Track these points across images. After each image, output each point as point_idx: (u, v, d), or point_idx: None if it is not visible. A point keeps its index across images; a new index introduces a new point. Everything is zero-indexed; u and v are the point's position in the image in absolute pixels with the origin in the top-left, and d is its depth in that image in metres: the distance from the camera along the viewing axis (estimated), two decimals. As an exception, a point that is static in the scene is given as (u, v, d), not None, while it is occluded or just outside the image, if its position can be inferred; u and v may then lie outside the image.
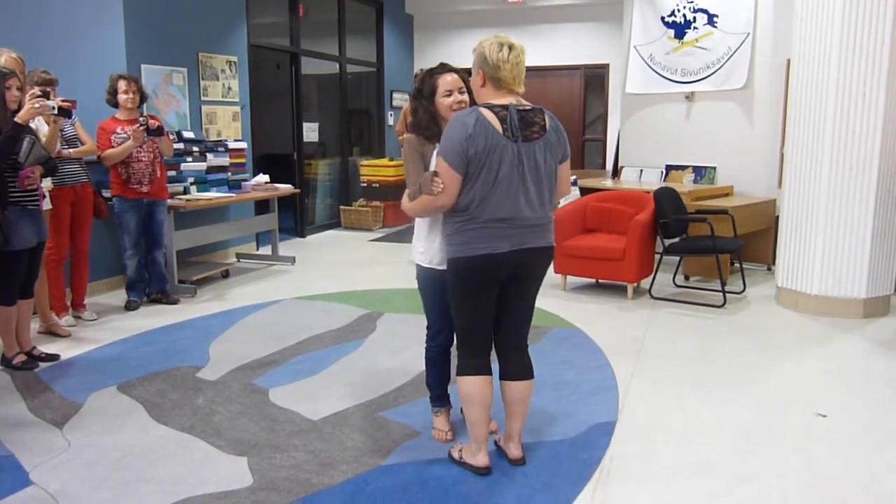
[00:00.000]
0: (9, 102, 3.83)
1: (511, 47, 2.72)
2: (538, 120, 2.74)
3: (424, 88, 3.02)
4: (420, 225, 3.08)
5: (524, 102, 2.77)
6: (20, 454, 3.10)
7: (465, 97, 2.94)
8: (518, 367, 2.94)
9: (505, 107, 2.69)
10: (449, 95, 2.95)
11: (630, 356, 4.36)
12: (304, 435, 3.29)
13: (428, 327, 3.19)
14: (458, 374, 2.90)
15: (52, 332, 4.76)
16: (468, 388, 2.86)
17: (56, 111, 4.04)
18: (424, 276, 3.08)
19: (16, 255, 3.94)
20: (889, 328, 4.97)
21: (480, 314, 2.85)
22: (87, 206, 5.03)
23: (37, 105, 3.84)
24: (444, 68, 3.04)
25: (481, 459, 2.92)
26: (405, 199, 2.87)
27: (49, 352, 4.35)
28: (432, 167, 2.82)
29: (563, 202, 6.68)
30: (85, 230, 5.06)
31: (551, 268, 5.98)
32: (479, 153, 2.63)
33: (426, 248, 3.03)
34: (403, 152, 3.09)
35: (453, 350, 3.06)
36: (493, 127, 2.65)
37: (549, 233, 2.85)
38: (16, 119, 3.81)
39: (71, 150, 4.85)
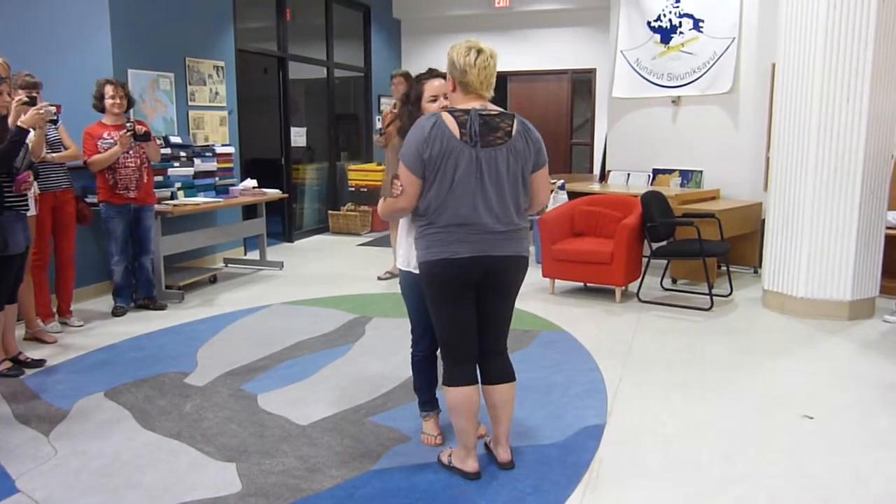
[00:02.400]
0: (1, 108, 3.84)
1: (479, 51, 2.70)
2: (504, 126, 2.71)
3: (411, 93, 3.05)
4: (400, 229, 3.10)
5: (491, 107, 2.75)
6: (6, 461, 3.07)
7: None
8: (498, 371, 2.94)
9: (466, 111, 2.68)
10: (434, 100, 2.97)
11: (618, 359, 4.38)
12: (293, 440, 3.28)
13: (412, 331, 3.19)
14: (444, 383, 2.90)
15: (37, 339, 4.73)
16: (454, 398, 2.86)
17: (55, 115, 4.15)
18: (404, 279, 3.10)
19: (10, 260, 3.93)
20: (874, 330, 5.01)
21: (457, 321, 2.82)
22: (70, 212, 4.98)
23: (42, 111, 3.89)
24: (431, 73, 3.06)
25: (471, 465, 2.92)
26: (380, 202, 2.89)
27: (35, 357, 4.31)
28: None
29: (549, 206, 6.71)
30: (69, 236, 5.02)
31: (534, 275, 6.06)
32: (435, 157, 2.63)
33: (404, 251, 3.05)
34: (386, 155, 3.12)
35: (440, 354, 3.06)
36: (451, 131, 2.64)
37: (517, 241, 2.80)
38: (19, 124, 3.82)
39: (54, 154, 4.83)
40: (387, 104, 10.57)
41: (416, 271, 2.92)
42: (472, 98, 2.74)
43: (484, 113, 2.70)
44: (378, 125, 10.48)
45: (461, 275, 2.74)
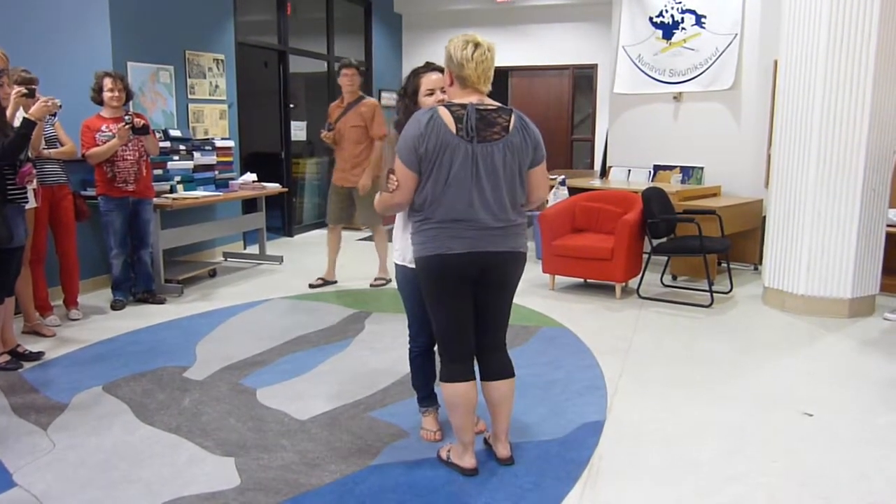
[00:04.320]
0: (2, 99, 3.84)
1: (477, 45, 2.68)
2: (501, 121, 2.69)
3: (408, 87, 3.04)
4: (397, 224, 3.08)
5: (489, 102, 2.73)
6: (4, 455, 3.06)
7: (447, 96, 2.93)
8: (497, 367, 2.93)
9: (463, 106, 2.66)
10: (431, 94, 2.97)
11: (618, 356, 4.37)
12: (292, 435, 3.27)
13: (409, 326, 3.18)
14: (441, 380, 2.89)
15: (36, 332, 4.72)
16: (451, 395, 2.85)
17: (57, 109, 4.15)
18: (401, 274, 3.08)
19: (12, 252, 3.93)
20: (874, 328, 5.00)
21: (454, 316, 2.81)
22: (67, 208, 4.96)
23: (49, 103, 3.91)
24: (428, 67, 3.05)
25: (468, 461, 2.91)
26: (377, 196, 2.87)
27: (34, 350, 4.31)
28: None
29: (550, 201, 6.70)
30: (69, 230, 5.01)
31: (534, 270, 6.06)
32: (430, 152, 2.62)
33: (401, 245, 3.03)
34: (382, 149, 3.11)
35: (437, 350, 3.05)
36: (447, 126, 2.62)
37: (514, 237, 2.79)
38: (27, 116, 3.83)
39: (51, 150, 4.81)
40: (388, 98, 10.55)
41: (413, 266, 2.91)
42: (470, 92, 2.72)
43: (481, 108, 2.68)
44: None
45: (456, 270, 2.73)
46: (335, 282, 6.20)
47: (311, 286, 6.07)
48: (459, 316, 2.82)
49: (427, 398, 3.27)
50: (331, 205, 6.21)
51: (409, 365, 3.27)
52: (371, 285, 6.13)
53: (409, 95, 3.03)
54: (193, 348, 4.49)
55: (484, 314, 2.87)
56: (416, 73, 3.05)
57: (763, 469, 2.99)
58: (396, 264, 3.09)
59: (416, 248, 2.78)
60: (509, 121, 2.70)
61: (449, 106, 2.67)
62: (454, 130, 2.63)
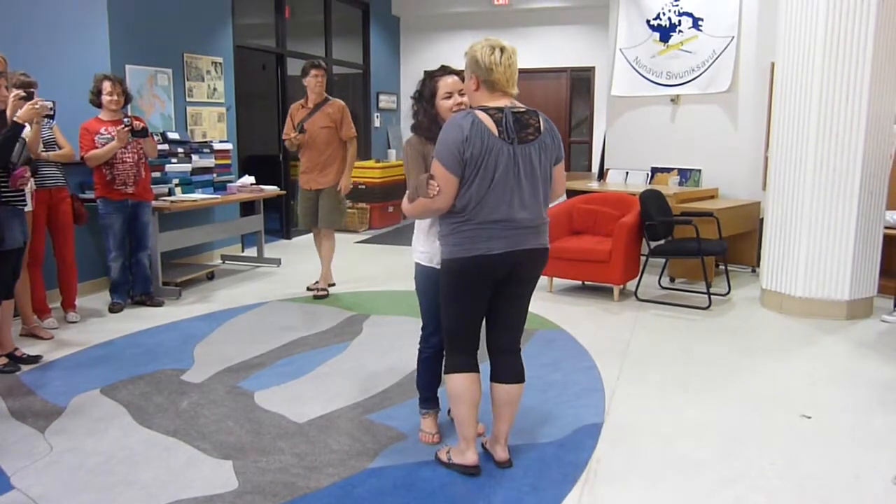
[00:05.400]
0: None
1: (503, 50, 2.72)
2: (533, 122, 2.74)
3: (425, 91, 3.04)
4: (420, 224, 3.07)
5: (518, 104, 2.77)
6: (2, 458, 3.06)
7: (465, 99, 2.93)
8: (509, 370, 2.94)
9: (500, 109, 2.70)
10: (449, 97, 2.97)
11: (616, 358, 4.37)
12: (290, 438, 3.27)
13: (423, 327, 3.18)
14: (446, 371, 2.91)
15: (34, 335, 4.71)
16: (456, 386, 2.86)
17: (52, 110, 4.16)
18: (425, 275, 3.07)
19: (6, 255, 3.92)
20: (872, 330, 5.01)
21: (470, 315, 2.85)
22: (66, 211, 4.96)
23: (37, 106, 3.86)
24: (444, 71, 3.05)
25: (470, 457, 2.91)
26: (405, 201, 2.86)
27: (32, 353, 4.30)
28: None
29: (553, 203, 6.71)
30: (67, 233, 5.00)
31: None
32: (476, 156, 2.64)
33: (428, 247, 3.02)
34: (404, 153, 3.09)
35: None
36: (489, 129, 2.65)
37: (543, 234, 2.86)
38: (15, 119, 3.81)
39: (49, 153, 4.81)
40: (386, 101, 10.55)
41: (437, 267, 2.91)
42: (500, 96, 2.75)
43: (514, 110, 2.72)
44: (377, 123, 10.48)
45: (491, 270, 2.76)
46: (333, 284, 6.09)
47: (315, 296, 5.80)
48: (475, 315, 2.87)
49: (429, 400, 3.27)
50: (300, 209, 5.98)
51: (408, 366, 3.27)
52: (315, 296, 5.78)
53: (426, 99, 3.03)
54: (191, 351, 4.49)
55: (501, 314, 2.90)
56: (433, 77, 3.04)
57: (761, 471, 2.99)
58: (421, 265, 3.07)
59: (451, 248, 2.77)
60: (539, 121, 2.76)
61: (486, 110, 2.70)
62: (496, 133, 2.66)
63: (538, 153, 2.74)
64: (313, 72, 5.75)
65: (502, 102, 2.73)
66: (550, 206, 3.02)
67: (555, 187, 2.89)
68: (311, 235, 6.31)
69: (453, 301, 2.84)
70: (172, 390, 3.85)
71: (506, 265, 2.76)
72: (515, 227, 2.74)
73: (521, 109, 2.75)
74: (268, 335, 4.79)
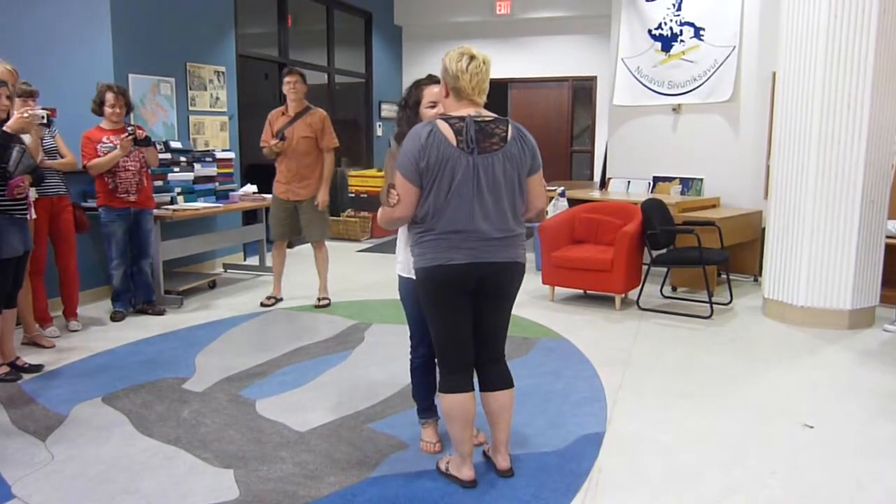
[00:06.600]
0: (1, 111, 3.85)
1: (472, 58, 2.70)
2: (499, 131, 2.71)
3: (410, 99, 3.05)
4: (400, 235, 3.09)
5: (485, 113, 2.75)
6: (2, 467, 3.06)
7: None
8: (496, 378, 2.93)
9: (462, 118, 2.68)
10: (433, 106, 2.98)
11: (618, 367, 4.37)
12: (291, 447, 3.26)
13: (410, 337, 3.18)
14: (440, 391, 2.90)
15: (35, 343, 4.72)
16: (449, 405, 2.85)
17: (45, 119, 4.10)
18: (404, 285, 3.09)
19: (3, 264, 3.92)
20: (874, 339, 5.00)
21: (453, 328, 2.82)
22: (67, 219, 4.96)
23: (26, 115, 3.86)
24: (430, 80, 3.06)
25: (466, 473, 2.90)
26: (380, 210, 2.87)
27: (33, 363, 4.30)
28: None
29: (550, 213, 6.71)
30: (69, 242, 5.00)
31: (534, 282, 6.06)
32: (432, 165, 2.63)
33: (404, 257, 3.04)
34: (385, 161, 3.10)
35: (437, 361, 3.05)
36: (447, 139, 2.64)
37: (514, 248, 2.80)
38: (4, 128, 3.80)
39: (51, 161, 4.82)
40: (388, 110, 10.57)
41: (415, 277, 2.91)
42: (466, 104, 2.74)
43: (479, 119, 2.70)
44: (379, 132, 10.49)
45: (456, 281, 2.74)
46: (282, 299, 5.96)
47: (316, 305, 5.81)
48: (458, 327, 2.82)
49: (427, 409, 3.27)
50: (274, 220, 5.83)
51: (409, 376, 3.27)
52: (317, 306, 5.78)
53: (410, 107, 3.05)
54: (193, 359, 4.48)
55: (482, 325, 2.87)
56: (418, 85, 3.06)
57: (763, 480, 2.98)
58: (400, 276, 3.10)
59: (416, 258, 2.78)
60: (506, 131, 2.73)
61: (448, 119, 2.69)
62: (454, 143, 2.64)
63: (502, 163, 2.70)
64: (287, 78, 5.63)
65: (467, 111, 2.71)
66: (540, 219, 2.99)
67: (531, 199, 2.83)
68: (307, 245, 6.19)
69: (432, 313, 2.83)
70: (174, 399, 3.84)
71: (473, 277, 2.73)
72: (479, 239, 2.70)
73: (488, 119, 2.72)
74: (269, 344, 4.79)
